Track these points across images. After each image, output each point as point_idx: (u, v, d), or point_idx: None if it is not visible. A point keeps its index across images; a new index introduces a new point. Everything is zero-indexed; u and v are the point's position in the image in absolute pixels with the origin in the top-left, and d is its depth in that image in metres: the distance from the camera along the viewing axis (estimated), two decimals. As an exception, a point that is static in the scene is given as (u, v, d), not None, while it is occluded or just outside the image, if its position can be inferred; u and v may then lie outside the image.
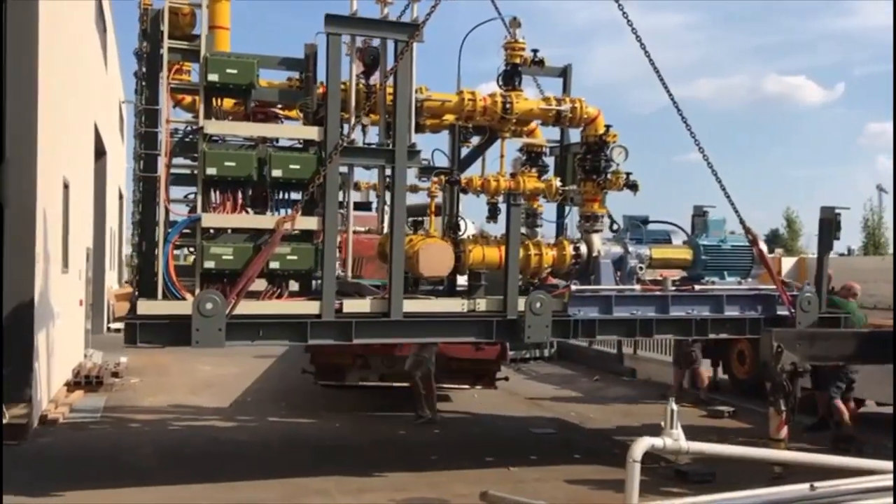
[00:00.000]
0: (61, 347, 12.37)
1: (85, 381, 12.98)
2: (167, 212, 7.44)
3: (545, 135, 9.82)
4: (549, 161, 10.01)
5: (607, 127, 8.91)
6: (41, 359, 10.34)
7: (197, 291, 7.22)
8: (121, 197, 29.25)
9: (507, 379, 13.10)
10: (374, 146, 8.15)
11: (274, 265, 7.42)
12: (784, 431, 8.40)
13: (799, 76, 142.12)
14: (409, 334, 8.27)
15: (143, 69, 7.72)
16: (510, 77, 8.91)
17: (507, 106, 8.63)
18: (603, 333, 9.02)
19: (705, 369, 13.83)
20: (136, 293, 7.62)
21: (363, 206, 10.87)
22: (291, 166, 7.48)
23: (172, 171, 7.82)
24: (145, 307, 7.17)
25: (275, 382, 14.64)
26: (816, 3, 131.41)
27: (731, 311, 8.98)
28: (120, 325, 23.30)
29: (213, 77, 7.30)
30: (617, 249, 9.03)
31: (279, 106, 8.26)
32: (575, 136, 9.75)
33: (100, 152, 20.31)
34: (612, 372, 16.45)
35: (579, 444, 10.27)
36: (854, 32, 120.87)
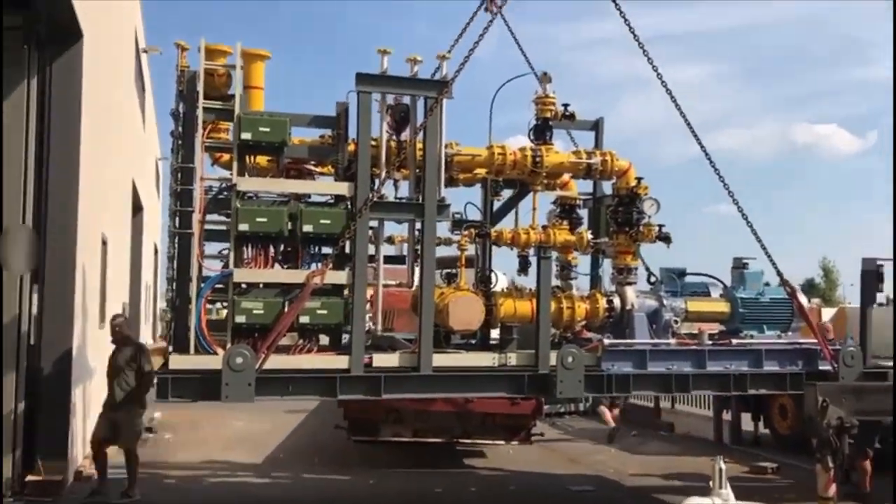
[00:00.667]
0: (97, 403, 12.39)
1: (119, 436, 12.93)
2: (200, 267, 7.54)
3: (580, 187, 9.83)
4: (583, 213, 9.99)
5: (638, 179, 8.92)
6: (77, 414, 10.36)
7: (228, 346, 7.25)
8: (156, 252, 29.65)
9: (542, 434, 12.89)
10: (403, 201, 8.21)
11: (304, 319, 7.46)
12: (833, 489, 8.17)
13: (830, 124, 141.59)
14: (439, 389, 8.21)
15: (180, 129, 7.92)
16: (541, 131, 8.99)
17: (538, 160, 8.69)
18: (637, 389, 8.84)
19: None
20: (170, 347, 7.67)
21: (396, 259, 10.90)
22: (322, 221, 7.59)
23: (207, 227, 7.97)
24: (177, 361, 7.24)
25: (307, 437, 14.55)
26: (838, 54, 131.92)
27: (771, 367, 8.77)
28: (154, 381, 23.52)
29: (246, 135, 7.47)
30: (652, 302, 8.96)
31: (312, 162, 8.38)
32: (608, 188, 9.74)
33: (137, 208, 20.66)
34: (650, 426, 16.12)
35: (620, 503, 10.01)
36: (879, 81, 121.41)
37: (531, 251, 9.18)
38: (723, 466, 7.13)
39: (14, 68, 9.25)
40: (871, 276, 9.28)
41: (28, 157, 9.23)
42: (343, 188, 7.80)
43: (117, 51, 14.73)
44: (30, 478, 9.09)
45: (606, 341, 8.32)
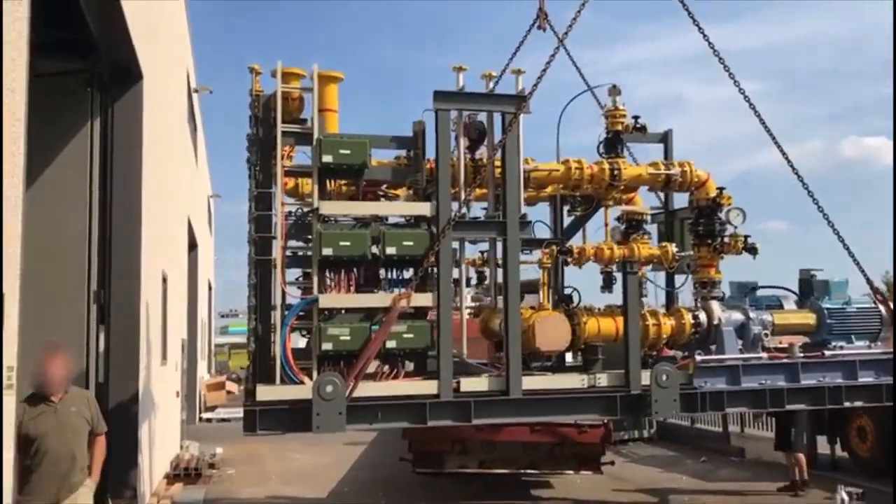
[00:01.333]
0: (161, 439, 12.43)
1: (184, 472, 12.98)
2: (284, 294, 7.40)
3: (646, 202, 9.65)
4: (650, 228, 9.77)
5: (720, 189, 8.70)
6: (143, 451, 10.36)
7: (314, 374, 7.11)
8: (210, 288, 29.96)
9: (612, 463, 12.51)
10: (485, 219, 8.07)
11: (391, 344, 7.32)
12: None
13: (879, 137, 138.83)
14: (529, 413, 7.99)
15: (256, 154, 7.82)
16: (612, 144, 8.85)
17: (615, 173, 8.55)
18: (731, 406, 8.58)
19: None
20: (253, 379, 7.53)
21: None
22: (405, 243, 7.46)
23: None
24: (264, 393, 7.05)
25: (370, 471, 14.36)
26: (873, 70, 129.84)
27: (866, 378, 8.52)
28: (211, 415, 23.67)
29: (327, 158, 7.39)
30: (738, 316, 8.77)
31: (384, 185, 8.28)
32: (679, 201, 9.53)
33: (192, 245, 20.90)
34: (719, 452, 15.61)
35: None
36: None
37: (614, 267, 8.97)
38: (845, 497, 6.76)
39: (78, 110, 9.42)
40: None
41: (92, 198, 9.34)
42: (425, 208, 7.70)
43: (173, 91, 14.97)
44: (101, 517, 9.05)
45: (698, 357, 8.13)
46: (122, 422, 9.60)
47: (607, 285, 9.47)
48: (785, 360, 8.47)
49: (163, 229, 12.93)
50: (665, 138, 9.60)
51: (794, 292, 9.56)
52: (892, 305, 9.00)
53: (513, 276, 7.66)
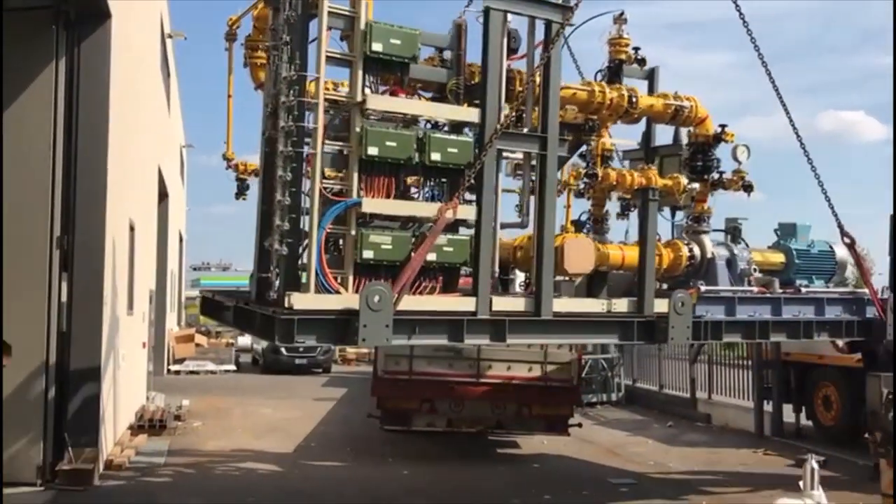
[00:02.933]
0: (126, 390, 12.25)
1: (148, 424, 12.82)
2: (322, 196, 6.65)
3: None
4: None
5: (722, 126, 8.94)
6: (107, 402, 10.18)
7: (350, 284, 6.67)
8: (181, 239, 29.58)
9: (580, 425, 12.55)
10: (528, 133, 7.67)
11: (430, 257, 6.86)
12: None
13: (857, 111, 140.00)
14: (559, 333, 7.86)
15: (289, 36, 6.80)
16: (615, 73, 8.78)
17: (633, 100, 8.54)
18: (728, 335, 8.78)
19: None
20: (283, 286, 6.75)
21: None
22: (450, 150, 7.02)
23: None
24: (300, 301, 6.44)
25: (338, 426, 14.34)
26: (856, 42, 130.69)
27: (833, 313, 9.11)
28: (180, 368, 23.50)
29: (377, 46, 6.78)
30: (724, 252, 9.05)
31: (419, 86, 7.73)
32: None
33: (162, 195, 20.51)
34: (686, 417, 15.74)
35: (664, 496, 9.68)
36: None
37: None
38: (815, 466, 6.81)
39: (43, 47, 9.06)
40: None
41: (56, 140, 9.03)
42: (473, 114, 7.20)
43: (145, 34, 14.52)
44: (60, 466, 8.91)
45: (703, 287, 8.39)
46: (84, 373, 9.42)
47: (624, 212, 9.51)
48: (769, 295, 8.90)
49: (130, 176, 12.60)
50: (651, 75, 9.41)
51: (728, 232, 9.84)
52: (857, 251, 9.30)
53: (550, 194, 7.39)
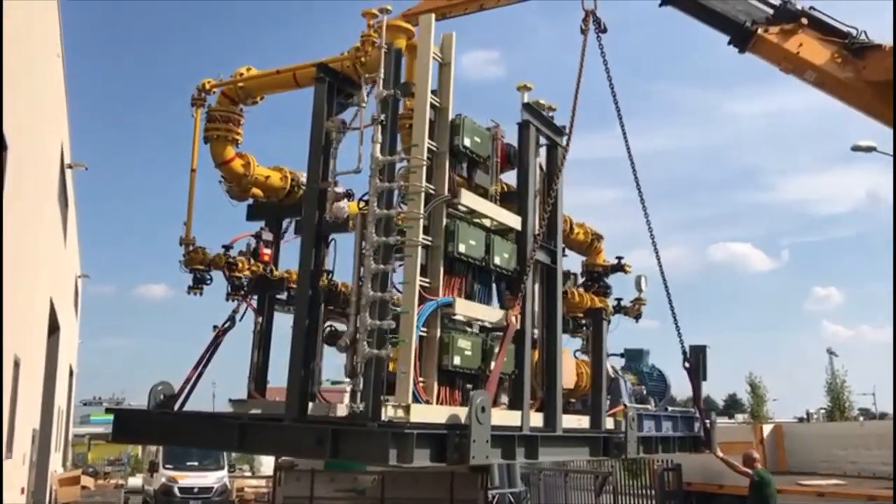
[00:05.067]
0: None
1: (21, 580, 11.71)
2: (419, 294, 6.06)
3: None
4: None
5: (619, 258, 9.76)
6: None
7: (435, 391, 6.09)
8: (71, 373, 28.16)
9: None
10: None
11: (456, 360, 6.38)
12: None
13: (746, 243, 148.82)
14: (564, 447, 7.54)
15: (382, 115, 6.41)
16: None
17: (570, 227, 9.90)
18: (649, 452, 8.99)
19: None
20: (375, 392, 5.79)
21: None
22: (505, 254, 6.96)
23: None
24: (418, 413, 5.74)
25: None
26: (735, 180, 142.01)
27: (680, 431, 9.52)
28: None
29: (466, 142, 6.66)
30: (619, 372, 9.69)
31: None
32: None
33: (53, 328, 19.62)
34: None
35: None
36: (775, 206, 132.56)
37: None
38: None
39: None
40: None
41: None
42: (516, 221, 7.10)
43: (42, 164, 14.27)
44: None
45: (631, 406, 8.80)
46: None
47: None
48: (657, 412, 9.46)
49: (18, 311, 12.05)
50: None
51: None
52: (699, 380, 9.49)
53: (558, 307, 7.41)
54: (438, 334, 6.24)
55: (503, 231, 7.21)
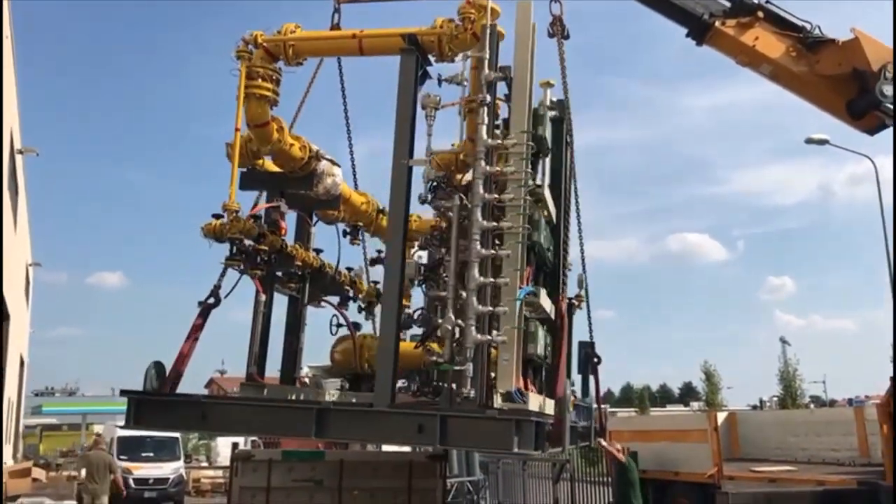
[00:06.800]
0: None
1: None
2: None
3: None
4: None
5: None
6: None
7: (515, 381, 5.99)
8: (22, 364, 27.58)
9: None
10: None
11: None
12: None
13: (703, 234, 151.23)
14: None
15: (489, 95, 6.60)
16: None
17: None
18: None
19: None
20: (486, 378, 5.92)
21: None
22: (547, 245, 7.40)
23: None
24: (533, 402, 5.89)
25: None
26: (682, 172, 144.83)
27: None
28: (14, 506, 21.32)
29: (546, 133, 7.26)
30: None
31: None
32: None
33: (2, 317, 19.16)
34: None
35: None
36: (729, 197, 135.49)
37: None
38: None
39: None
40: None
41: None
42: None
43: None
44: None
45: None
46: None
47: None
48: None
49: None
50: None
51: None
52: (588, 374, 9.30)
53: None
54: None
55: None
